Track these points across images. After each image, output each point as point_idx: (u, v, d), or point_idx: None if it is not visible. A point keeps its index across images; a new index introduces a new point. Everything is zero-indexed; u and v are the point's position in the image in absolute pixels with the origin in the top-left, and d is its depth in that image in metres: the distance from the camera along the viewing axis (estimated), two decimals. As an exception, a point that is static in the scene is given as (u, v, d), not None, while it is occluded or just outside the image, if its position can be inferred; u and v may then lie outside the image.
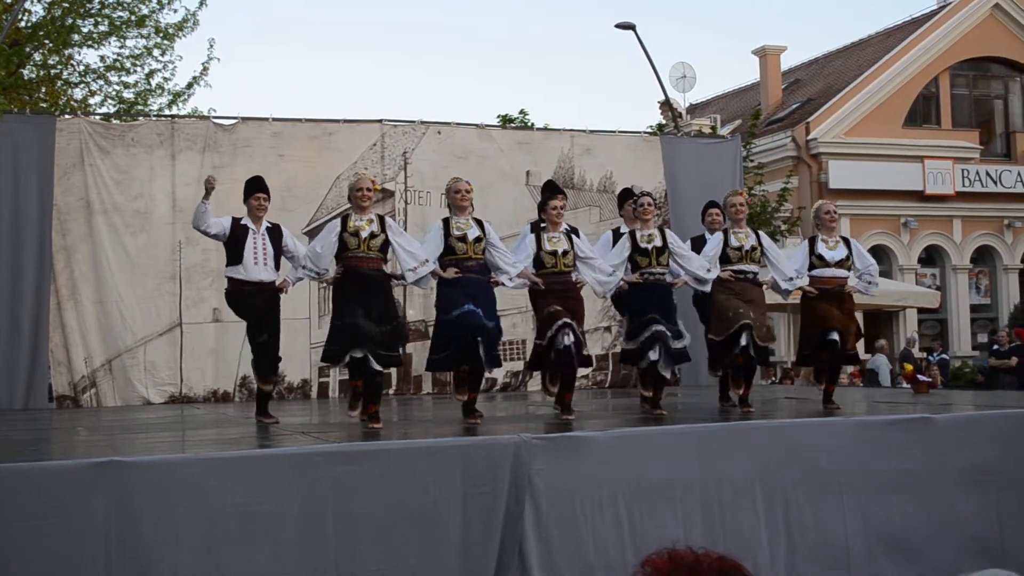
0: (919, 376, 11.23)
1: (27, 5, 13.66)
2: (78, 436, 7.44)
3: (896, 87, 22.91)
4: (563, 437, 5.71)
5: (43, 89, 15.32)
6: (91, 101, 15.62)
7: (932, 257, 23.08)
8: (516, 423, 7.86)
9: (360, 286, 6.62)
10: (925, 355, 18.71)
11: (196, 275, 10.85)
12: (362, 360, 6.45)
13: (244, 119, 11.53)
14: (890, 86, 22.85)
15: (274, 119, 11.61)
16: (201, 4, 15.48)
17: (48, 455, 6.05)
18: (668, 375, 7.50)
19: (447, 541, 5.20)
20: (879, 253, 21.27)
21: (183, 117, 12.99)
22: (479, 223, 6.97)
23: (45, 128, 10.82)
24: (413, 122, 12.12)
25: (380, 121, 11.99)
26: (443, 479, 5.25)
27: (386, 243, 6.77)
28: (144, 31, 15.05)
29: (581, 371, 12.14)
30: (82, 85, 15.72)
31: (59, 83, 15.63)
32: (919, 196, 22.28)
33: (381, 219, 6.90)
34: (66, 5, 14.25)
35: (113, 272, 10.83)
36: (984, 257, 23.55)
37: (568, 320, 6.92)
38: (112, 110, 14.66)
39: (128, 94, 15.48)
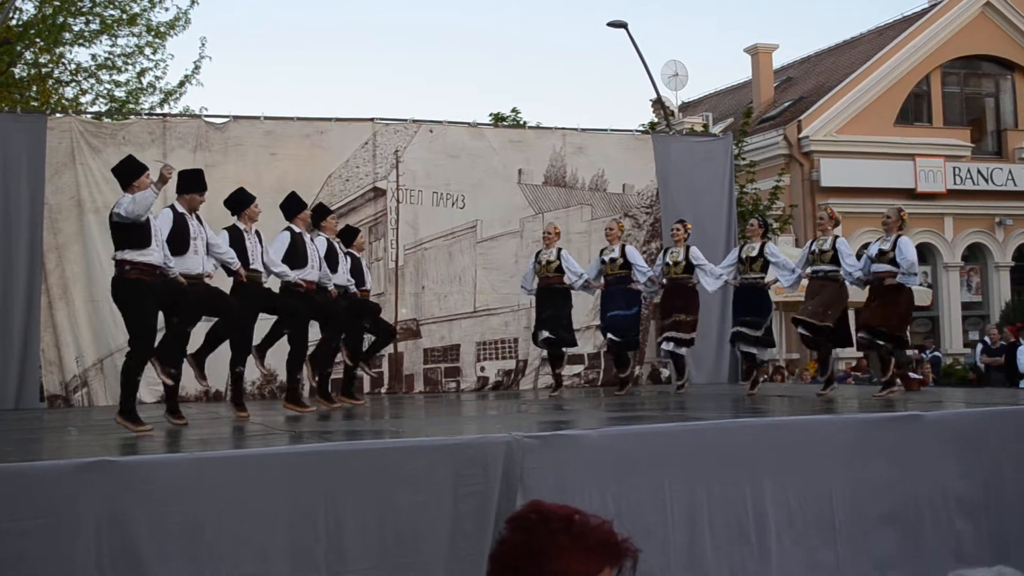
0: (911, 374, 11.25)
1: (18, 3, 13.61)
2: (69, 436, 7.42)
3: (887, 85, 22.96)
4: (555, 435, 5.71)
5: (34, 88, 15.28)
6: (82, 100, 15.62)
7: (923, 255, 23.12)
8: (508, 421, 7.88)
9: (547, 294, 10.38)
10: (917, 352, 18.76)
11: (187, 274, 10.81)
12: (548, 338, 10.27)
13: (236, 117, 11.51)
14: (882, 84, 22.90)
15: (266, 118, 11.59)
16: (192, 3, 15.49)
17: (39, 455, 6.02)
18: (764, 356, 10.02)
19: (439, 540, 5.19)
20: (871, 251, 21.29)
21: (175, 116, 12.97)
22: (622, 248, 10.32)
23: (36, 127, 10.78)
24: (405, 120, 12.09)
25: (372, 120, 11.98)
26: (434, 478, 5.24)
27: (560, 267, 10.35)
28: (135, 29, 15.05)
29: (575, 368, 12.32)
30: (73, 84, 15.70)
31: (50, 82, 15.59)
32: (910, 194, 22.32)
33: (559, 251, 10.47)
34: (57, 3, 14.23)
35: (104, 271, 10.74)
36: (975, 255, 23.62)
37: (669, 335, 10.03)
38: (103, 109, 14.63)
39: (119, 92, 15.47)
